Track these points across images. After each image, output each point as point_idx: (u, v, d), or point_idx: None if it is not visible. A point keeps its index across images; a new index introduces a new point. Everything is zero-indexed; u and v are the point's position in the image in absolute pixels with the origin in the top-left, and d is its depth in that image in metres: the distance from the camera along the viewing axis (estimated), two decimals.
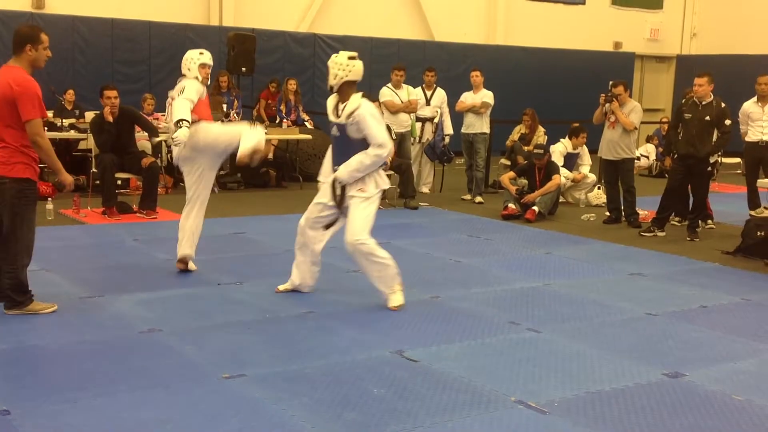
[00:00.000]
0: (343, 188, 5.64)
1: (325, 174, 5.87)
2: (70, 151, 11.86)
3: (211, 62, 6.54)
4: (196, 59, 6.43)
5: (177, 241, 6.67)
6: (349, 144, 5.59)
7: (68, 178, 5.29)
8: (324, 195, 5.78)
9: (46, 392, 4.08)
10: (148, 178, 9.13)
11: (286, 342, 4.98)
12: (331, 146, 5.87)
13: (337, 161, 5.69)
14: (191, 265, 6.52)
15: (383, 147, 5.52)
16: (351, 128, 5.55)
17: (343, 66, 5.57)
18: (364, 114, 5.51)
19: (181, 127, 6.02)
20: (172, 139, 6.13)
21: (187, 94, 6.21)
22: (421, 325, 5.38)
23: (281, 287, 6.08)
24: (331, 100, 5.76)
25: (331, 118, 5.71)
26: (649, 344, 5.16)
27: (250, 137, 6.12)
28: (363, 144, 5.54)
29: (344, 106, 5.59)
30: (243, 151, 6.07)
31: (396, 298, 5.73)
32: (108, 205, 8.97)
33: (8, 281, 5.17)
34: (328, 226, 5.85)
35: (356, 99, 5.57)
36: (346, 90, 5.62)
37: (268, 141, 6.17)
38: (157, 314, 5.44)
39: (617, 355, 4.91)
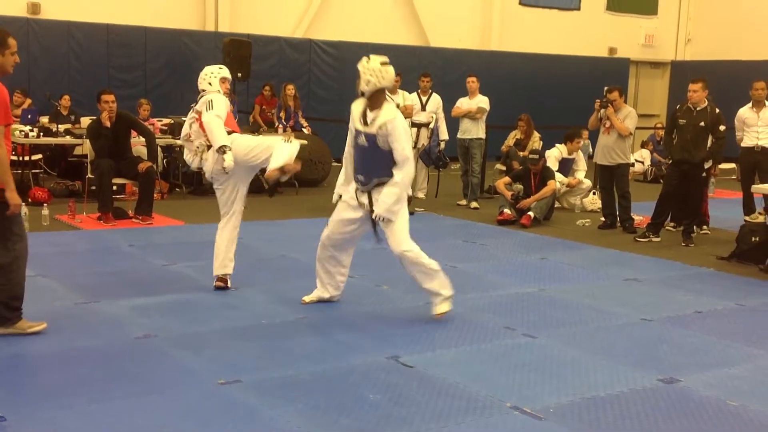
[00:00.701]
0: (369, 196, 5.49)
1: (344, 184, 5.69)
2: (66, 156, 11.87)
3: (230, 76, 6.45)
4: (216, 73, 6.32)
5: (175, 246, 6.64)
6: (377, 154, 5.38)
7: (16, 198, 4.78)
8: (345, 210, 5.64)
9: (42, 398, 4.07)
10: (144, 184, 9.12)
11: (282, 348, 4.97)
12: (349, 155, 5.62)
13: (363, 171, 5.48)
14: (229, 283, 6.32)
15: (408, 162, 5.38)
16: (380, 139, 5.35)
17: (376, 72, 5.31)
18: (397, 126, 5.31)
19: (225, 152, 5.90)
20: (223, 168, 5.97)
21: (217, 109, 6.06)
22: (416, 330, 5.38)
23: (307, 298, 5.93)
24: (358, 106, 5.48)
25: (358, 126, 5.45)
26: (644, 349, 5.16)
27: (282, 152, 5.91)
28: (391, 154, 5.36)
29: (375, 115, 5.36)
30: (273, 165, 5.88)
31: (440, 307, 5.56)
32: (104, 211, 8.95)
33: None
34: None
35: (391, 110, 5.37)
36: (377, 97, 5.38)
37: (298, 156, 6.06)
38: (152, 320, 5.44)
39: (612, 360, 4.92)
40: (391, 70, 5.39)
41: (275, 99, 13.47)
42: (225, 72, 6.41)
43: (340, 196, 5.74)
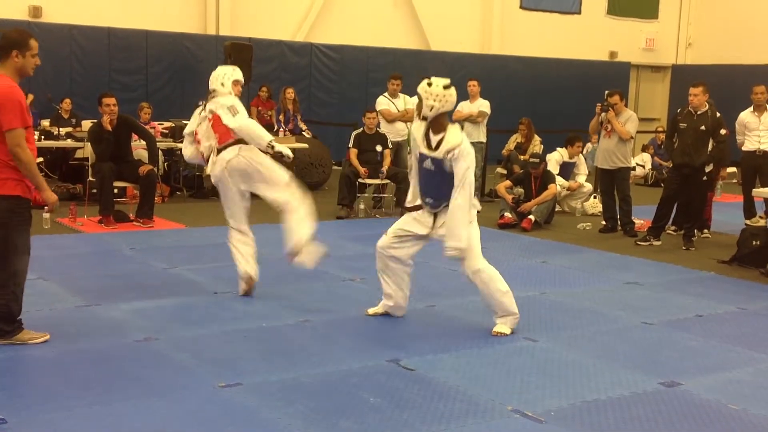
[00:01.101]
0: (435, 216, 5.43)
1: (413, 201, 5.57)
2: (67, 159, 11.88)
3: (242, 79, 6.39)
4: (230, 75, 6.27)
5: (175, 249, 6.65)
6: (445, 177, 5.26)
7: (52, 197, 4.88)
8: (410, 224, 5.52)
9: (42, 400, 4.07)
10: (145, 187, 9.13)
11: (282, 351, 4.97)
12: (415, 176, 5.52)
13: (432, 194, 5.40)
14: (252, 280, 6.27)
15: (469, 184, 5.24)
16: (448, 163, 5.23)
17: (440, 97, 5.19)
18: (465, 152, 5.20)
19: (274, 146, 5.98)
20: (288, 156, 6.05)
21: (242, 112, 6.11)
22: (417, 334, 5.38)
23: (371, 311, 5.80)
24: (419, 129, 5.38)
25: (423, 150, 5.34)
26: (645, 353, 5.16)
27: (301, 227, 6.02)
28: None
29: (439, 139, 5.26)
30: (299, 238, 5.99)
31: (500, 327, 5.45)
32: (105, 214, 8.96)
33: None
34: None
35: (457, 134, 5.26)
36: (441, 121, 5.28)
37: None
38: (153, 323, 5.44)
39: (613, 363, 4.92)
40: (453, 93, 5.29)
41: (272, 101, 13.48)
42: (238, 74, 6.34)
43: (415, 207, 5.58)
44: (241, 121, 6.04)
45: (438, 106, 5.21)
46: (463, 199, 5.25)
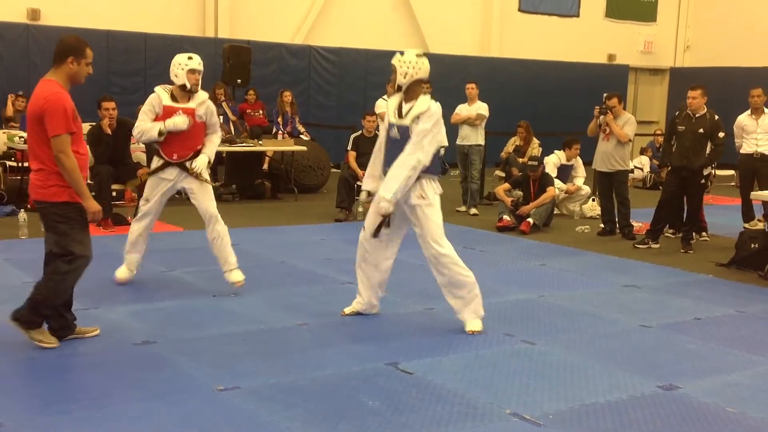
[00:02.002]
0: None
1: (370, 178, 5.59)
2: None
3: (200, 67, 6.24)
4: (183, 64, 6.21)
5: (174, 252, 6.64)
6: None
7: (93, 206, 4.81)
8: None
9: (41, 404, 4.07)
10: (143, 189, 9.11)
11: (281, 354, 4.97)
12: (379, 149, 5.55)
13: (390, 164, 5.35)
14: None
15: (423, 147, 5.22)
16: (413, 130, 5.27)
17: (413, 64, 5.28)
18: (429, 114, 5.23)
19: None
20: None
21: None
22: (415, 336, 5.38)
23: (347, 310, 5.80)
24: (394, 100, 5.45)
25: (392, 119, 5.39)
26: (644, 356, 5.16)
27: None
28: None
29: (410, 107, 5.31)
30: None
31: (473, 324, 5.43)
32: (103, 217, 8.93)
33: (37, 295, 4.79)
34: (376, 233, 5.48)
35: (426, 100, 5.29)
36: (414, 89, 5.34)
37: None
38: (151, 326, 5.43)
39: (612, 367, 4.92)
40: (426, 61, 5.36)
41: (259, 102, 13.52)
42: (194, 63, 6.24)
43: (369, 193, 5.63)
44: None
45: (412, 72, 5.28)
46: (411, 157, 5.21)
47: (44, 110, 4.57)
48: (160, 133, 6.19)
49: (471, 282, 5.44)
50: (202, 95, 6.34)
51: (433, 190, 5.44)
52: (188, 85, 6.22)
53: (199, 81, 6.26)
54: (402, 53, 5.37)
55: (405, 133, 5.31)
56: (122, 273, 6.50)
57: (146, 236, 6.52)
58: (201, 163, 6.25)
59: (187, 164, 6.26)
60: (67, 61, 4.70)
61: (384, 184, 5.30)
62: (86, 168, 4.85)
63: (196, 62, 6.24)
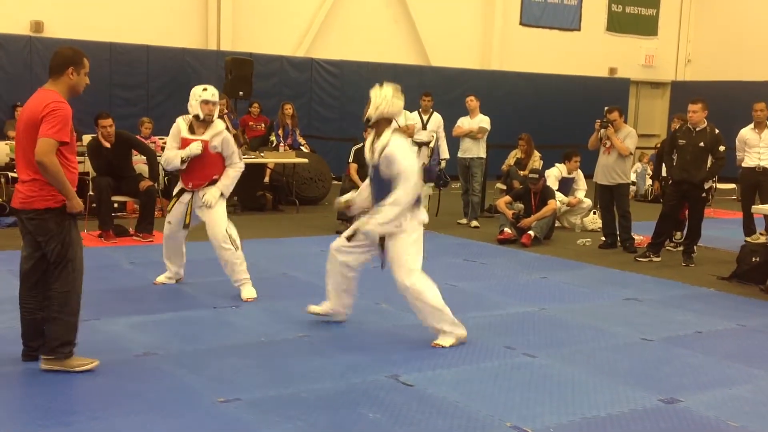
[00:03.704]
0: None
1: (360, 197, 5.66)
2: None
3: (214, 98, 6.39)
4: (198, 95, 6.38)
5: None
6: (384, 184, 5.27)
7: (78, 205, 4.66)
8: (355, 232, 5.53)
9: (41, 416, 4.06)
10: (145, 202, 9.14)
11: (282, 366, 4.96)
12: (367, 185, 5.63)
13: (377, 201, 5.38)
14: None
15: (406, 180, 5.16)
16: (383, 167, 5.25)
17: (387, 100, 5.30)
18: (394, 150, 5.19)
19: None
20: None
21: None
22: (416, 349, 5.37)
23: (313, 309, 5.86)
24: (369, 139, 5.50)
25: (368, 157, 5.44)
26: (645, 370, 5.15)
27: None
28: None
29: (377, 144, 5.34)
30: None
31: (441, 339, 5.39)
32: (104, 229, 8.96)
33: (58, 327, 4.63)
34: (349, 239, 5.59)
35: (386, 135, 5.29)
36: (381, 125, 5.35)
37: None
38: (152, 337, 5.43)
39: (613, 380, 4.91)
40: (401, 101, 5.39)
41: (262, 117, 13.55)
42: (207, 94, 6.40)
43: (349, 200, 5.74)
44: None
45: (383, 108, 5.30)
46: (399, 195, 5.18)
47: (44, 115, 4.48)
48: (182, 162, 6.50)
49: (437, 309, 5.35)
50: (218, 125, 6.55)
51: (414, 218, 5.35)
52: (201, 116, 6.40)
53: (215, 112, 6.48)
54: (381, 86, 5.38)
55: (377, 171, 5.35)
56: (160, 278, 7.00)
57: (179, 252, 6.94)
58: (210, 196, 6.50)
59: (200, 193, 6.52)
60: (66, 72, 4.65)
61: (372, 218, 5.32)
62: (75, 183, 4.71)
63: (210, 93, 6.42)
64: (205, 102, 6.36)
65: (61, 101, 4.58)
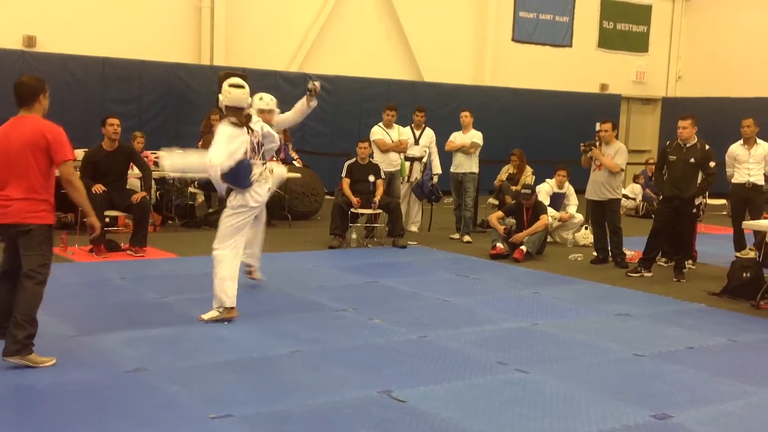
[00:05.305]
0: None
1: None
2: (59, 188, 11.84)
3: (269, 107, 7.61)
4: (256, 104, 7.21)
5: (167, 279, 6.63)
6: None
7: (97, 222, 5.30)
8: None
9: (32, 431, 4.05)
10: (138, 214, 9.11)
11: (274, 381, 4.96)
12: None
13: None
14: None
15: (211, 162, 6.08)
16: None
17: (224, 91, 6.31)
18: (215, 134, 6.23)
19: None
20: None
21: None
22: (409, 365, 5.37)
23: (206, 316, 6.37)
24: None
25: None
26: (637, 385, 5.16)
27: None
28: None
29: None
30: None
31: (210, 313, 6.27)
32: (96, 243, 8.93)
33: (25, 331, 4.99)
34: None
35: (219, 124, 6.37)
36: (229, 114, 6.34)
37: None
38: (143, 353, 5.41)
39: (605, 396, 4.92)
40: (235, 92, 6.29)
41: None
42: (262, 104, 7.48)
43: None
44: None
45: (221, 98, 6.35)
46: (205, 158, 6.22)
47: (50, 141, 4.97)
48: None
49: (223, 285, 6.25)
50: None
51: (242, 198, 6.35)
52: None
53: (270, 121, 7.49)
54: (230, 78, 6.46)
55: None
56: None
57: (254, 244, 7.33)
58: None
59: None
60: (39, 99, 5.15)
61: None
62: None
63: (265, 102, 7.66)
64: (261, 111, 7.22)
65: (53, 124, 5.07)
